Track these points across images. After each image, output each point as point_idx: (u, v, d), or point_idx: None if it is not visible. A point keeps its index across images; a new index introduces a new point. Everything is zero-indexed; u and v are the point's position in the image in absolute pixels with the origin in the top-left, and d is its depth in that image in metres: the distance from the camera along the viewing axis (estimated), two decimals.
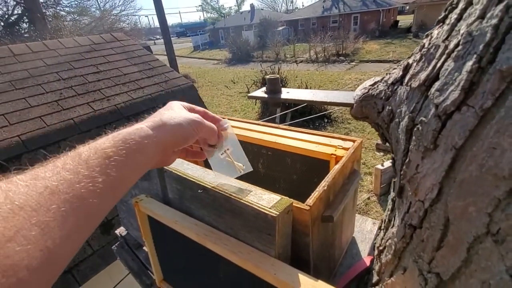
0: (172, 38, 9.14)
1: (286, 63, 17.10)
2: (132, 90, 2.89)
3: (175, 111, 0.48)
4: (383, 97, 0.50)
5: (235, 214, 0.62)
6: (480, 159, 0.28)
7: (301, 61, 17.48)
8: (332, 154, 0.85)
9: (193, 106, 0.55)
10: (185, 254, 0.80)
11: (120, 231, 1.28)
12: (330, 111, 8.34)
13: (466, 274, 0.32)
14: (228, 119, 1.21)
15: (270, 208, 0.56)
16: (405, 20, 26.33)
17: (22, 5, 9.25)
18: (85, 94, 2.64)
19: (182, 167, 0.77)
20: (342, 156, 0.79)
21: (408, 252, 0.44)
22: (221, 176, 0.69)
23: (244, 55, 21.24)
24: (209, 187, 0.65)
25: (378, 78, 0.56)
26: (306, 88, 9.46)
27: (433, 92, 0.34)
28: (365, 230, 1.10)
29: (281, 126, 1.09)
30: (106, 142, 0.37)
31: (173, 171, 0.75)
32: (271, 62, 16.68)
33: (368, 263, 0.89)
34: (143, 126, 0.42)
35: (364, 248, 1.01)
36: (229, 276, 0.67)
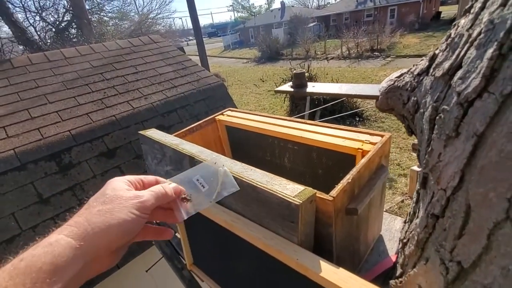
0: (203, 39, 9.44)
1: (317, 60, 16.75)
2: (167, 89, 3.06)
3: (110, 198, 0.39)
4: (409, 88, 0.50)
5: (261, 202, 0.66)
6: (499, 144, 0.28)
7: (332, 58, 17.01)
8: (358, 148, 0.85)
9: (141, 177, 0.46)
10: (213, 239, 0.85)
11: None
12: (362, 109, 8.01)
13: (486, 261, 0.32)
14: (256, 114, 1.26)
15: (293, 197, 0.59)
16: (448, 11, 24.34)
17: (71, 12, 10.13)
18: (125, 93, 2.86)
19: (211, 157, 0.83)
20: (369, 151, 0.79)
21: (430, 242, 0.44)
22: (248, 167, 0.73)
23: (273, 53, 21.19)
24: (236, 176, 0.69)
25: (405, 70, 0.56)
26: None
27: (455, 80, 0.35)
28: (394, 229, 1.07)
29: (307, 121, 1.10)
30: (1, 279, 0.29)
31: (203, 161, 0.80)
32: (300, 60, 16.47)
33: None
34: (59, 237, 0.34)
35: (392, 247, 0.99)
36: (254, 261, 0.71)
